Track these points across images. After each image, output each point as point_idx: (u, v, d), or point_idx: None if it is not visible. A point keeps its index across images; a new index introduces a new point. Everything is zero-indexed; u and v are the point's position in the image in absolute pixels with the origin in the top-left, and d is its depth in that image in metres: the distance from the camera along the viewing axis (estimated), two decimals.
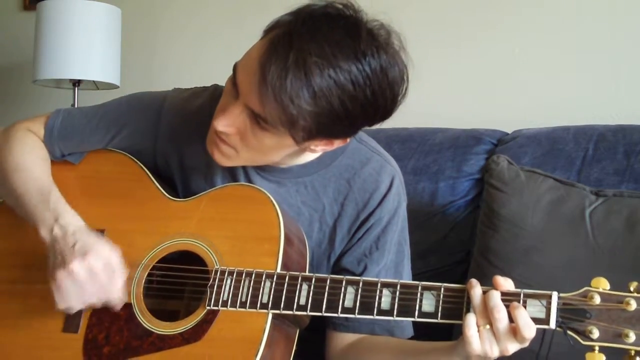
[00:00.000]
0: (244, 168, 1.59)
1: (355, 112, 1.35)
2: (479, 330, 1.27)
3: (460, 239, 2.24)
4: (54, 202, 1.52)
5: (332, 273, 1.62)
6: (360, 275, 1.58)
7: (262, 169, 1.58)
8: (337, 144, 1.46)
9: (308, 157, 1.57)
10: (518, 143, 2.26)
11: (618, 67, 2.50)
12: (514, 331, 1.25)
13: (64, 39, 2.89)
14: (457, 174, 2.28)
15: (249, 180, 1.59)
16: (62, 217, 1.49)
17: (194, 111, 1.62)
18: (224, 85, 1.64)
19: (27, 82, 3.16)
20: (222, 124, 1.39)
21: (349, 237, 1.60)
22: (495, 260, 2.03)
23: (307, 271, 1.53)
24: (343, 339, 1.60)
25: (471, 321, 1.27)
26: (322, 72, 1.28)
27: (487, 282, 1.97)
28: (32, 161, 1.62)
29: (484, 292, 1.29)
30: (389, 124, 2.45)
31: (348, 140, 1.47)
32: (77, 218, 1.51)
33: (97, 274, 1.42)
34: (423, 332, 1.58)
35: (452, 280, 2.17)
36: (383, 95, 1.35)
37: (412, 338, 1.61)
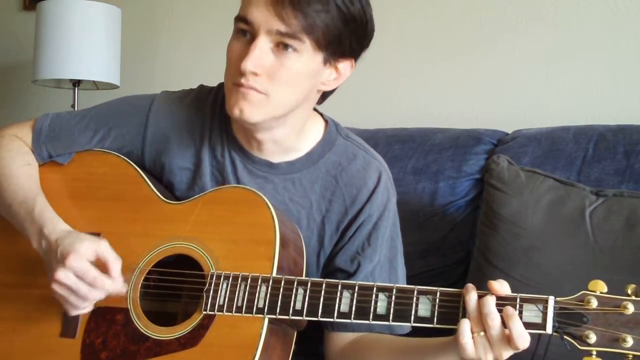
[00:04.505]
0: (233, 164, 1.61)
1: (355, 15, 1.46)
2: (473, 337, 1.27)
3: (460, 239, 2.24)
4: (38, 213, 1.52)
5: (326, 274, 1.63)
6: (354, 273, 1.59)
7: (251, 162, 1.61)
8: (343, 73, 1.54)
9: (299, 149, 1.61)
10: (518, 143, 2.25)
11: (618, 68, 2.49)
12: (509, 339, 1.25)
13: (64, 39, 2.89)
14: (457, 174, 2.28)
15: (237, 177, 1.61)
16: (45, 227, 1.49)
17: (181, 111, 1.65)
18: (209, 85, 1.69)
19: (27, 82, 3.16)
20: (251, 62, 1.42)
21: (338, 236, 1.62)
22: (495, 260, 2.02)
23: (304, 272, 1.53)
24: (341, 339, 1.60)
25: (465, 328, 1.27)
26: None
27: (487, 283, 1.98)
28: (17, 168, 1.62)
29: (480, 297, 1.29)
30: (389, 124, 2.47)
31: (352, 68, 1.54)
32: (61, 223, 1.51)
33: (85, 272, 1.42)
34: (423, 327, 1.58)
35: (451, 280, 2.20)
36: (367, 9, 1.50)
37: (410, 333, 1.60)
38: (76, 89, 3.03)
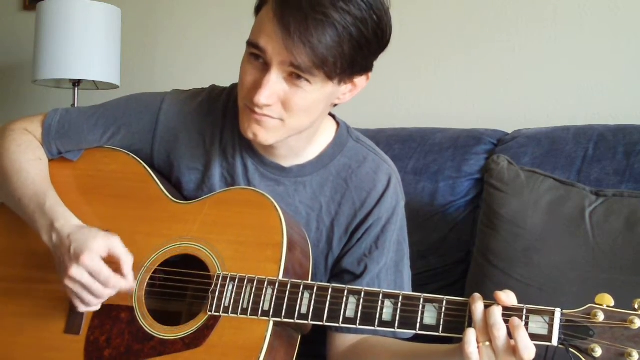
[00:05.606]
0: (245, 166, 1.61)
1: (369, 37, 1.42)
2: (478, 347, 1.27)
3: (460, 239, 2.24)
4: (49, 207, 1.52)
5: (333, 275, 1.63)
6: (361, 275, 1.59)
7: (262, 165, 1.61)
8: (359, 85, 1.51)
9: (311, 152, 1.61)
10: (518, 143, 2.25)
11: (618, 68, 2.49)
12: (514, 350, 1.25)
13: (64, 39, 2.88)
14: (457, 174, 2.28)
15: (248, 179, 1.61)
16: (57, 221, 1.49)
17: (192, 111, 1.64)
18: (221, 85, 1.67)
19: (27, 82, 3.16)
20: (265, 95, 1.41)
21: (347, 238, 1.61)
22: (495, 260, 2.02)
23: (310, 276, 1.53)
24: (345, 341, 1.60)
25: (471, 337, 1.27)
26: (335, 7, 1.37)
27: (487, 283, 1.99)
28: (27, 162, 1.62)
29: (486, 307, 1.29)
30: (389, 124, 2.47)
31: (367, 79, 1.52)
32: (73, 218, 1.51)
33: (98, 271, 1.42)
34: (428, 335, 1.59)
35: (451, 280, 2.20)
36: (384, 18, 1.45)
37: (414, 339, 1.60)
38: (76, 89, 3.02)
